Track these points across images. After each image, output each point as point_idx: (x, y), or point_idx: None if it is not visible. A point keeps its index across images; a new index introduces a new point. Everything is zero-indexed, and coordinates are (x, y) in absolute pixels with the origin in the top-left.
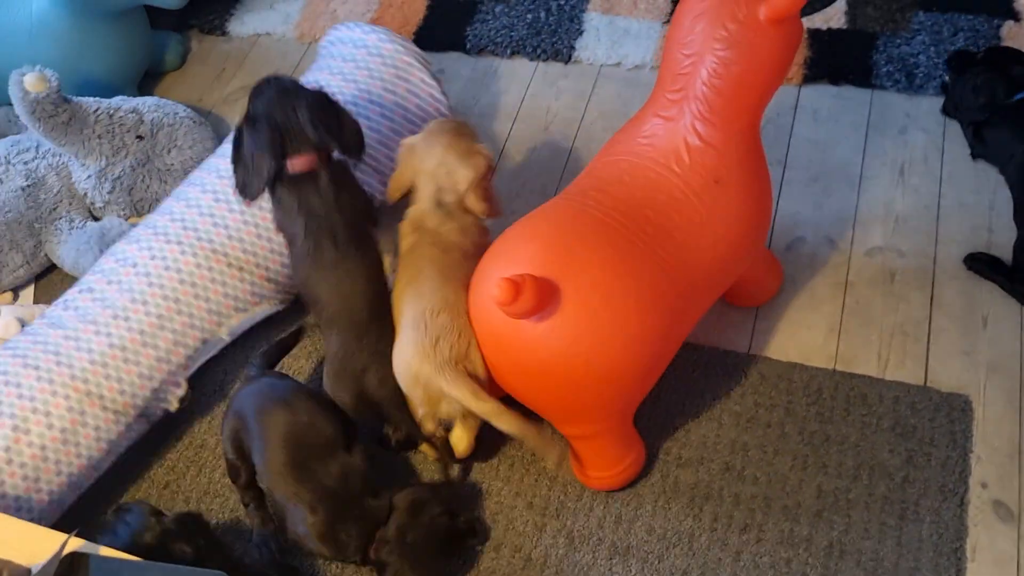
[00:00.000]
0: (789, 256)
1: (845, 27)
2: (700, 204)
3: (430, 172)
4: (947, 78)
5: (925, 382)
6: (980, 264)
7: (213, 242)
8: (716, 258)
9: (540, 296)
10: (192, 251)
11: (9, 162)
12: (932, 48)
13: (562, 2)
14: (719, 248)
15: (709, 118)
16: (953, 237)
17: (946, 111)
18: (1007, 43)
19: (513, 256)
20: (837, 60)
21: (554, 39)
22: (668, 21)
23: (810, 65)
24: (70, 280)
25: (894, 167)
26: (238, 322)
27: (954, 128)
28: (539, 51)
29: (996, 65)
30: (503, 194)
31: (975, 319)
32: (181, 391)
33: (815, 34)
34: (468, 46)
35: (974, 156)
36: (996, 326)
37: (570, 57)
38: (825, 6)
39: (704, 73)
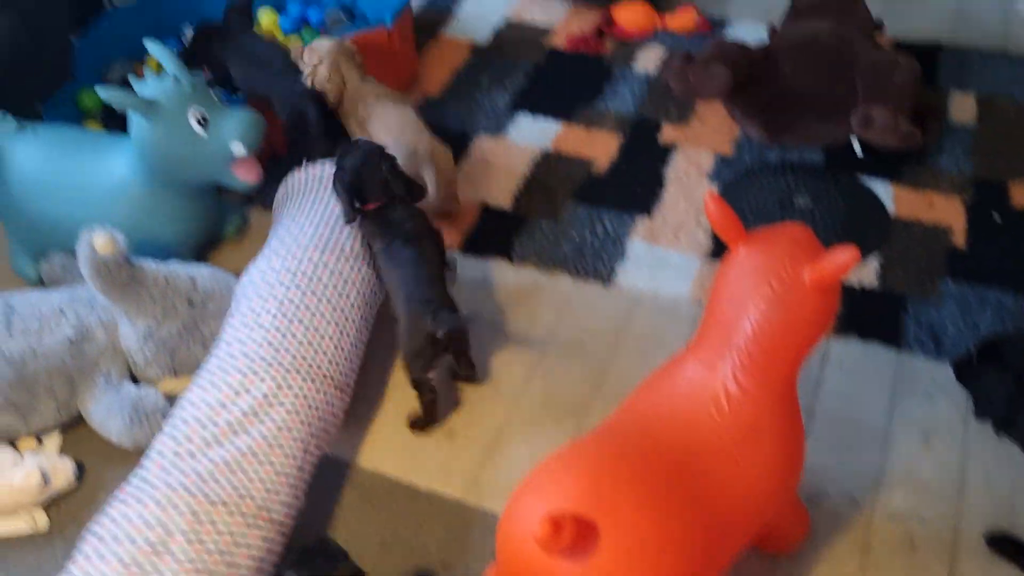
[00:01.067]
0: (811, 509)
1: (877, 287)
2: (737, 451)
3: None
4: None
5: None
6: (1001, 545)
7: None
8: (750, 504)
9: (579, 535)
10: None
11: (63, 312)
12: (960, 317)
13: (608, 226)
14: (753, 495)
15: (750, 369)
16: (976, 511)
17: (979, 414)
18: None
19: (551, 491)
20: (867, 317)
21: (597, 260)
22: (710, 255)
23: (841, 318)
24: (97, 435)
25: (919, 432)
26: None
27: None
28: (581, 270)
29: (996, 358)
30: (537, 409)
31: None
32: None
33: (848, 290)
34: (513, 256)
35: (997, 431)
36: None
37: (611, 279)
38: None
39: (747, 326)
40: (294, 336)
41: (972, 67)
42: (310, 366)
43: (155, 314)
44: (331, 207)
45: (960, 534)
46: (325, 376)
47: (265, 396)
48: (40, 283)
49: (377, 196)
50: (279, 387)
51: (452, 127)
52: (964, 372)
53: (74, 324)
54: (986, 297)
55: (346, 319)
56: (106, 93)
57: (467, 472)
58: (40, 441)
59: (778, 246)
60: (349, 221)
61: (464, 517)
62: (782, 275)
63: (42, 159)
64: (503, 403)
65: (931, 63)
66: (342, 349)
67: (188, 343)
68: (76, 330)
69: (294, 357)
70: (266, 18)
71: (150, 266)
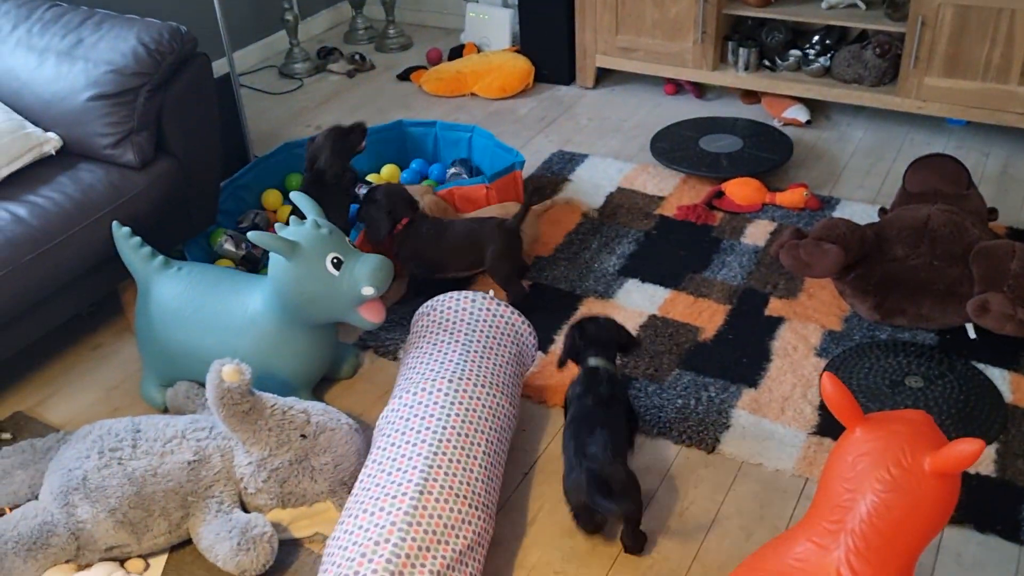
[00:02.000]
0: None
1: (994, 475)
2: None
3: None
4: None
5: None
6: None
7: None
8: None
9: None
10: None
11: (184, 437)
12: None
13: (713, 395)
14: None
15: (865, 555)
16: None
17: None
18: None
19: None
20: (984, 508)
21: (700, 428)
22: (814, 432)
23: (957, 508)
24: (202, 559)
25: None
26: None
27: None
28: (684, 436)
29: None
30: None
31: None
32: None
33: (964, 477)
34: None
35: None
36: None
37: (714, 448)
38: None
39: (863, 510)
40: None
41: None
42: (484, 503)
43: (269, 443)
44: (474, 340)
45: None
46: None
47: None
48: (164, 410)
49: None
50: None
51: (562, 287)
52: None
53: (193, 448)
54: None
55: (495, 450)
56: (256, 235)
57: None
58: (148, 565)
59: (899, 431)
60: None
61: None
62: (902, 461)
63: (183, 293)
64: (600, 566)
65: None
66: (495, 479)
67: (298, 474)
68: (195, 454)
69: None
70: (387, 170)
71: (268, 398)
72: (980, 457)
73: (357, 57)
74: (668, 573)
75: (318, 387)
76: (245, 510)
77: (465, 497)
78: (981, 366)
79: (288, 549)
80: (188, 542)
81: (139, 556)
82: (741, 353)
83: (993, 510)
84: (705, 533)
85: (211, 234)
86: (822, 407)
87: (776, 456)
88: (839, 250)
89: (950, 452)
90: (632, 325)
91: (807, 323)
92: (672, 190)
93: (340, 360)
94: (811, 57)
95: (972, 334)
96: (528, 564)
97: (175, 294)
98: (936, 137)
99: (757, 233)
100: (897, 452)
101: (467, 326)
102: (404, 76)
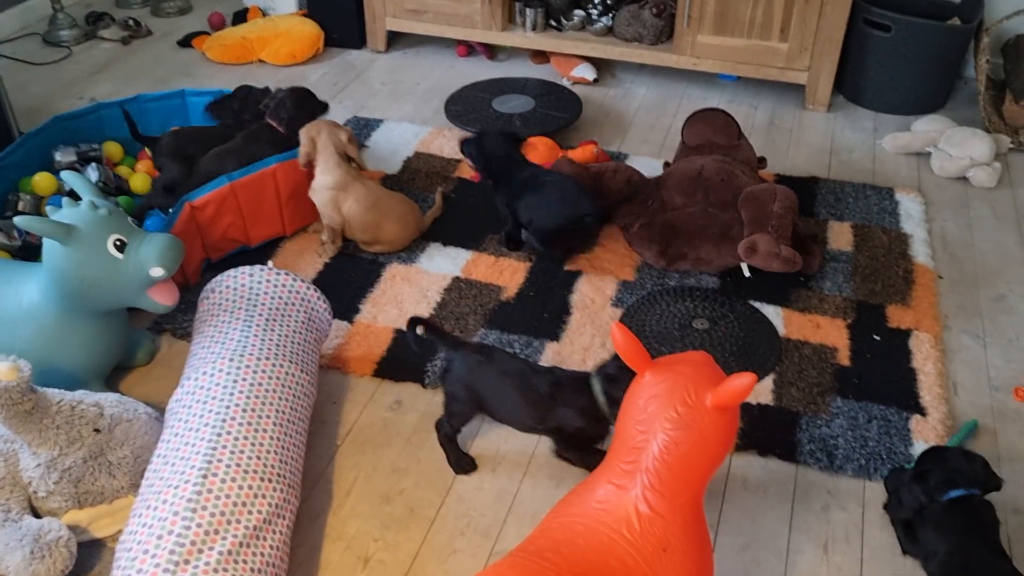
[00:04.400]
0: None
1: (772, 404)
2: (649, 570)
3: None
4: (887, 481)
5: None
6: None
7: None
8: None
9: None
10: None
11: None
12: (850, 432)
13: (517, 350)
14: None
15: (658, 489)
16: None
17: (887, 508)
18: (914, 434)
19: None
20: (764, 434)
21: None
22: None
23: (740, 436)
24: None
25: (818, 543)
26: None
27: (873, 510)
28: None
29: (934, 463)
30: (453, 533)
31: None
32: None
33: (746, 408)
34: (426, 381)
35: (904, 552)
36: None
37: None
38: None
39: (655, 448)
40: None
41: (846, 199)
42: (279, 473)
43: (59, 442)
44: (256, 314)
45: None
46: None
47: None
48: None
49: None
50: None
51: (363, 256)
52: (891, 475)
53: None
54: (872, 411)
55: (289, 419)
56: (24, 221)
57: None
58: None
59: (683, 372)
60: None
61: None
62: (687, 400)
63: None
64: (419, 529)
65: (810, 195)
66: (292, 448)
67: (94, 472)
68: None
69: (249, 460)
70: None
71: (54, 394)
72: (758, 388)
73: (131, 22)
74: (485, 528)
75: (111, 377)
76: (37, 516)
77: (255, 471)
78: (757, 304)
79: (90, 551)
80: None
81: None
82: (542, 308)
83: (772, 436)
84: (518, 486)
85: None
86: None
87: None
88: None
89: (727, 387)
90: (437, 288)
91: (603, 276)
92: None
93: (134, 346)
94: (594, 17)
95: (747, 273)
96: (347, 535)
97: None
98: (711, 92)
99: None
100: (682, 392)
101: (247, 301)
102: (185, 42)
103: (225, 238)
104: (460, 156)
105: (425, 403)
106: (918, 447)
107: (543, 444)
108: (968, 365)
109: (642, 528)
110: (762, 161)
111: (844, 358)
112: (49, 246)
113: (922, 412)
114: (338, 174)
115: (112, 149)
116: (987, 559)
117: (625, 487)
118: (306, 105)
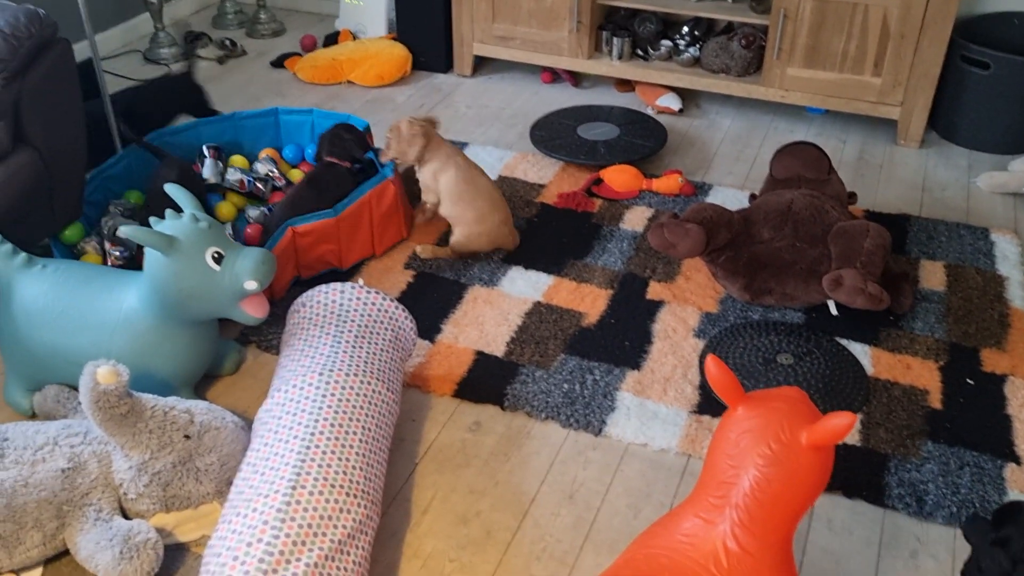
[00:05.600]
0: None
1: (859, 444)
2: None
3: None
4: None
5: None
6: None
7: None
8: None
9: None
10: None
11: (57, 443)
12: (941, 478)
13: (598, 378)
14: None
15: (749, 526)
16: None
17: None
18: (1009, 484)
19: None
20: (851, 475)
21: (587, 411)
22: (695, 411)
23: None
24: (80, 571)
25: None
26: None
27: (963, 559)
28: (572, 420)
29: (1014, 525)
30: (528, 558)
31: None
32: None
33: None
34: (505, 403)
35: None
36: None
37: (600, 431)
38: None
39: (746, 484)
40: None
41: (939, 238)
42: (363, 489)
43: (151, 446)
44: (345, 330)
45: None
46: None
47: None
48: (32, 416)
49: None
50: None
51: (447, 276)
52: (970, 530)
53: (67, 455)
54: (964, 457)
55: (374, 436)
56: (128, 230)
57: None
58: None
59: (777, 408)
60: None
61: None
62: (781, 437)
63: (49, 292)
64: (495, 552)
65: (901, 233)
66: (376, 465)
67: (182, 477)
68: (69, 461)
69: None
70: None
71: (148, 399)
72: None
73: (227, 43)
74: (561, 554)
75: (200, 385)
76: (126, 517)
77: (342, 487)
78: (844, 342)
79: (173, 554)
80: (64, 553)
81: (10, 571)
82: (623, 336)
83: (859, 477)
84: (595, 513)
85: (68, 231)
86: (702, 386)
87: (660, 435)
88: (700, 229)
89: (824, 426)
90: (518, 312)
91: (685, 305)
92: (552, 177)
93: (222, 356)
94: (681, 48)
95: (834, 311)
96: (424, 553)
97: (40, 293)
98: (798, 125)
99: (635, 219)
100: (776, 428)
101: (337, 317)
102: (278, 63)
103: (320, 260)
104: (543, 181)
105: (504, 425)
106: (1012, 496)
107: (622, 469)
108: None
109: (730, 565)
110: (852, 196)
111: (936, 401)
112: (151, 256)
113: (1017, 461)
114: (440, 153)
115: (238, 160)
116: None
117: (713, 522)
118: (354, 132)
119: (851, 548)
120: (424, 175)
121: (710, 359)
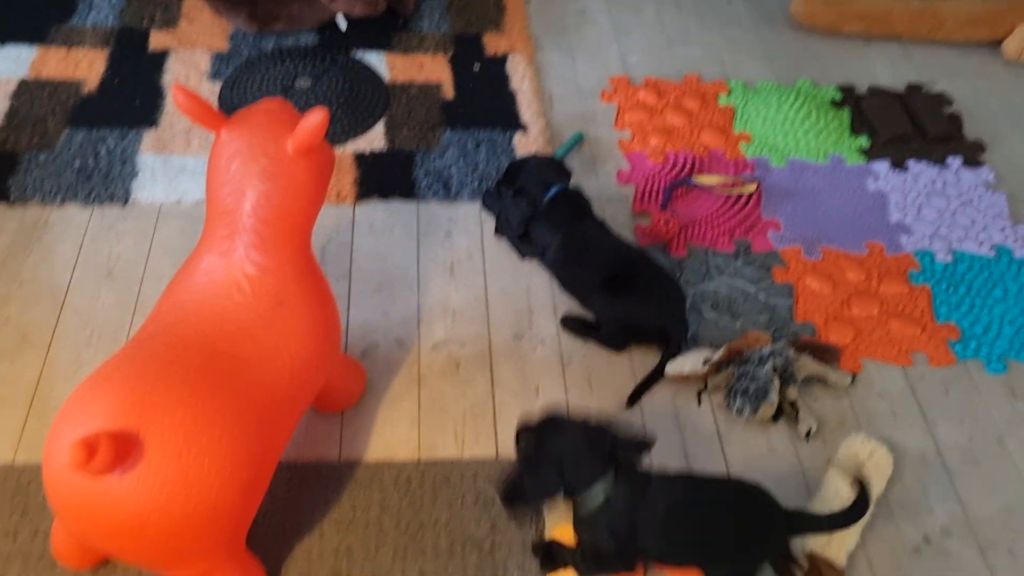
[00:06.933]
0: (366, 362)
1: (386, 148)
2: (268, 328)
3: None
4: (488, 205)
5: (497, 454)
6: (571, 325)
7: None
8: (293, 375)
9: (118, 450)
10: None
11: None
12: (461, 159)
13: (112, 146)
14: (294, 365)
15: (260, 247)
16: (502, 322)
17: (499, 231)
18: (518, 150)
19: (84, 415)
20: (383, 178)
21: (108, 183)
22: None
23: (360, 184)
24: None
25: (445, 267)
26: None
27: (490, 226)
28: (93, 196)
29: (514, 180)
30: (78, 348)
31: (529, 390)
32: None
33: (361, 157)
34: (12, 197)
35: (522, 256)
36: (546, 392)
37: (127, 199)
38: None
39: (248, 206)
40: None
41: None
42: None
43: None
44: None
45: (493, 344)
46: None
47: None
48: None
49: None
50: None
51: None
52: (488, 199)
53: None
54: (479, 136)
55: None
56: None
57: (13, 433)
58: None
59: (258, 123)
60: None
61: (18, 479)
62: (268, 150)
63: None
64: (36, 354)
65: None
66: None
67: None
68: None
69: None
70: None
71: None
72: (371, 135)
73: None
74: (112, 333)
75: None
76: None
77: None
78: (361, 53)
79: None
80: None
81: None
82: (132, 96)
83: (391, 178)
84: (139, 284)
85: None
86: None
87: (192, 188)
88: None
89: (301, 129)
90: (3, 95)
91: (193, 49)
92: None
93: None
94: None
95: (343, 26)
96: None
97: None
98: None
99: None
100: (261, 142)
101: None
102: None
103: None
104: None
105: (16, 222)
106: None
107: (159, 232)
108: (560, 79)
109: (252, 288)
110: None
111: (449, 92)
112: None
113: (523, 128)
114: None
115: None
116: (597, 230)
117: (227, 252)
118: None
119: (394, 244)
120: None
121: (176, 87)
